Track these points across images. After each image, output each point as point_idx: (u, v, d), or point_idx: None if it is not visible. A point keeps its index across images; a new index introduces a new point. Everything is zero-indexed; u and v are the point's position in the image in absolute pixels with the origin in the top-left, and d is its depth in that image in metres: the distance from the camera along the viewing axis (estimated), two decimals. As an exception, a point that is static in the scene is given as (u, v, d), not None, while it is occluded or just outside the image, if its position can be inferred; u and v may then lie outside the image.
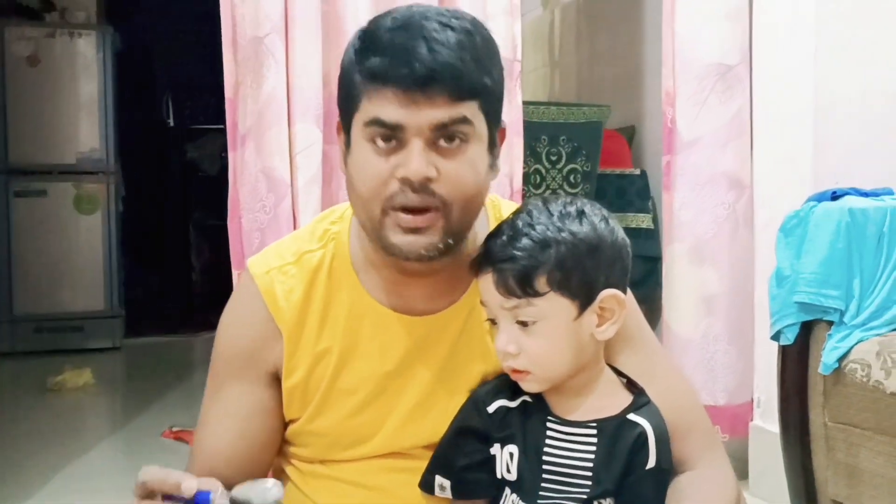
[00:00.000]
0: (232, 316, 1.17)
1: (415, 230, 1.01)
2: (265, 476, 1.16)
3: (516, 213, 1.04)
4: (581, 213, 1.02)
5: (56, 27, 4.69)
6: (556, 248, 0.98)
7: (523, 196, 2.46)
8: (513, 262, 0.98)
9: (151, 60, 6.64)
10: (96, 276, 4.76)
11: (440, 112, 0.97)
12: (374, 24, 1.03)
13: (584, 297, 1.00)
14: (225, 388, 1.14)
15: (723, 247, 2.41)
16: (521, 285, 0.98)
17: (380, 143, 1.00)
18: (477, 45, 1.00)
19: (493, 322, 1.04)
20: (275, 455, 1.18)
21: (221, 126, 2.19)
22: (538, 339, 1.00)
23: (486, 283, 1.02)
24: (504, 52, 2.25)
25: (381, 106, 0.98)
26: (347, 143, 1.05)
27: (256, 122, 2.07)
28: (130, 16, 5.74)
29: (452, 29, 0.98)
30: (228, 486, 1.09)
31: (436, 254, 1.03)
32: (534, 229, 1.00)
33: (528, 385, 1.04)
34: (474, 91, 0.99)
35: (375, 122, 0.99)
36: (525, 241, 0.99)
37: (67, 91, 4.69)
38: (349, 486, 1.12)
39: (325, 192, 2.16)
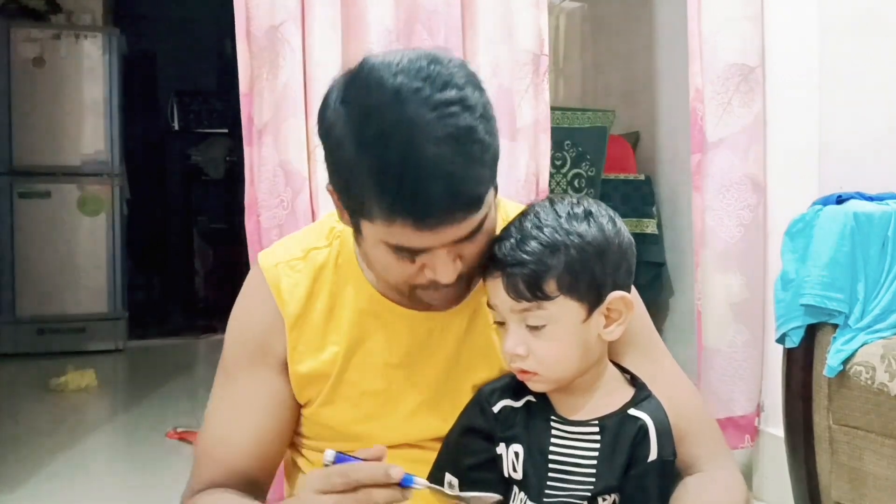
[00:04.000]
0: (242, 308, 1.18)
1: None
2: (276, 467, 1.17)
3: (523, 214, 1.04)
4: (588, 214, 1.02)
5: (62, 29, 4.69)
6: (566, 252, 0.98)
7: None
8: (522, 266, 0.98)
9: (156, 64, 6.66)
10: (100, 279, 4.76)
11: (460, 229, 0.95)
12: (364, 113, 0.93)
13: (592, 300, 1.01)
14: (237, 379, 1.15)
15: (747, 251, 2.35)
16: (531, 289, 0.98)
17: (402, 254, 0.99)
18: (476, 132, 0.93)
19: (500, 324, 1.04)
20: (287, 446, 1.19)
21: (226, 130, 2.17)
22: (547, 341, 1.00)
23: (495, 287, 1.02)
24: (531, 45, 2.21)
25: (400, 235, 0.95)
26: (357, 227, 1.02)
27: (273, 115, 2.00)
28: (136, 19, 5.76)
29: (451, 118, 0.91)
30: (243, 477, 1.11)
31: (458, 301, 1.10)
32: (542, 232, 0.99)
33: (536, 385, 1.04)
34: (484, 196, 0.96)
35: (397, 248, 0.97)
36: (534, 245, 0.99)
37: (73, 93, 4.69)
38: None
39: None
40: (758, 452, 2.36)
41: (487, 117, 0.96)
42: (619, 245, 1.02)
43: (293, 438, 1.19)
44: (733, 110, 2.33)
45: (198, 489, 1.12)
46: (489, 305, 1.05)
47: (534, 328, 1.00)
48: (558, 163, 2.89)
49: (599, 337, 1.03)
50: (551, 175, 2.87)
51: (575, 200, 1.04)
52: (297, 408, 1.16)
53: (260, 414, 1.13)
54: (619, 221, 1.05)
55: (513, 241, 1.00)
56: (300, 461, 1.19)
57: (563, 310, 1.00)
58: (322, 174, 1.99)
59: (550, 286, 0.99)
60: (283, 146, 1.99)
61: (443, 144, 0.90)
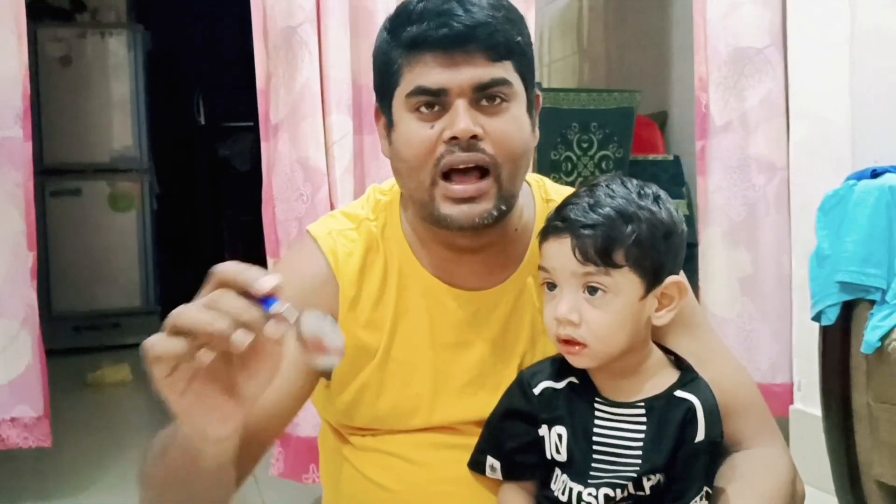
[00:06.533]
0: (287, 268, 1.16)
1: (467, 200, 1.02)
2: (284, 427, 1.12)
3: (593, 185, 1.04)
4: (658, 198, 1.04)
5: (87, 27, 4.73)
6: (638, 224, 0.99)
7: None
8: (594, 230, 0.99)
9: (181, 59, 6.68)
10: (132, 274, 4.81)
11: (480, 71, 1.00)
12: (404, 2, 1.05)
13: (652, 279, 1.01)
14: None
15: (755, 229, 2.42)
16: (601, 254, 0.99)
17: (424, 110, 1.02)
18: (507, 6, 1.04)
19: (550, 288, 1.03)
20: (298, 410, 1.11)
21: (252, 123, 2.22)
22: (603, 311, 1.00)
23: (560, 248, 1.01)
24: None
25: (423, 73, 1.01)
26: (389, 124, 1.07)
27: (290, 113, 2.07)
28: (160, 15, 5.78)
29: None
30: (249, 433, 0.98)
31: (490, 221, 1.04)
32: (614, 200, 1.01)
33: (580, 360, 1.03)
34: (509, 50, 1.02)
35: (418, 91, 1.01)
36: (608, 210, 1.00)
37: (100, 90, 4.73)
38: (397, 460, 1.12)
39: (356, 181, 2.17)
40: (794, 432, 2.34)
41: (516, 9, 1.06)
42: (682, 233, 1.04)
43: (337, 427, 1.18)
44: (741, 93, 2.39)
45: None
46: (541, 268, 1.04)
47: (593, 294, 1.00)
48: (585, 145, 2.87)
49: (649, 320, 1.04)
50: (578, 158, 2.86)
51: (643, 183, 1.05)
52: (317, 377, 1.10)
53: (285, 380, 1.02)
54: (679, 210, 1.07)
55: (585, 204, 1.01)
56: (345, 450, 1.18)
57: (625, 282, 1.00)
58: (339, 170, 2.07)
59: (619, 255, 0.99)
60: (301, 143, 2.07)
61: None
